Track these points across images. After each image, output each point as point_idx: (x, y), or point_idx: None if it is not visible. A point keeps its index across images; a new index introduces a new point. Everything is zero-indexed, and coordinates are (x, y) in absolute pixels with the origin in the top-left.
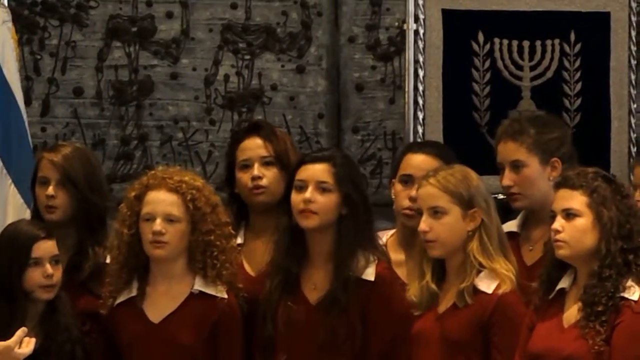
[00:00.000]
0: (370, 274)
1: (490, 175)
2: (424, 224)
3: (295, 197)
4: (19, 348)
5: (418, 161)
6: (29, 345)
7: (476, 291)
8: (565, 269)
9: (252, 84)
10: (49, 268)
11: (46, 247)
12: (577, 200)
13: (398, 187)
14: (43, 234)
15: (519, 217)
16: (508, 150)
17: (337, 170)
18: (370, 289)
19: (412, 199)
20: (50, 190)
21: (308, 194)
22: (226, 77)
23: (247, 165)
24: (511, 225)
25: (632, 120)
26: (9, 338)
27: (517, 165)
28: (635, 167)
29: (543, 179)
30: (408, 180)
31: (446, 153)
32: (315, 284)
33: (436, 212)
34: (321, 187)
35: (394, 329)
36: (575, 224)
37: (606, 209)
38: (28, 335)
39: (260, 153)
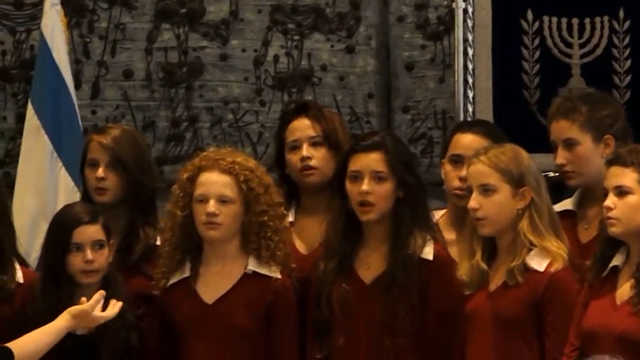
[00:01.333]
0: (428, 254)
1: (541, 153)
2: (474, 201)
3: (352, 189)
4: (101, 311)
5: (467, 141)
6: (114, 308)
7: (527, 269)
8: (618, 247)
9: (302, 64)
10: (89, 253)
11: (87, 232)
12: (628, 177)
13: (448, 167)
14: (86, 218)
15: (574, 195)
16: (561, 128)
17: (390, 157)
18: (429, 268)
19: (462, 179)
20: (100, 172)
21: (365, 185)
22: (276, 58)
23: (296, 146)
24: (567, 204)
25: None
26: None
27: (570, 144)
28: None
29: (597, 157)
30: (458, 160)
31: (495, 132)
32: (370, 264)
33: (486, 190)
34: (377, 177)
35: (453, 308)
36: (627, 201)
37: None
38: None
39: (309, 133)
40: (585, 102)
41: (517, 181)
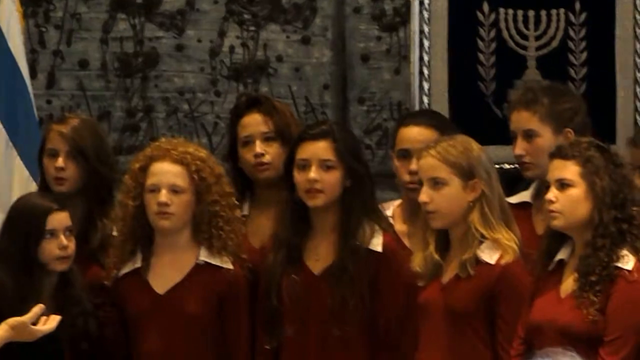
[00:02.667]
0: (377, 245)
1: (496, 145)
2: (424, 195)
3: (299, 177)
4: (41, 324)
5: (413, 134)
6: (52, 323)
7: (479, 262)
8: (564, 240)
9: (258, 55)
10: (63, 239)
11: (60, 219)
12: (570, 170)
13: (397, 162)
14: (56, 205)
15: (531, 187)
16: (521, 119)
17: (337, 145)
18: (378, 259)
19: (412, 172)
20: (60, 162)
21: (312, 173)
22: (231, 49)
23: (249, 142)
24: (524, 196)
25: (638, 89)
26: (25, 312)
27: (529, 135)
28: (630, 148)
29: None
30: (405, 155)
31: (440, 120)
32: (319, 255)
33: (436, 183)
34: (324, 165)
35: (403, 299)
36: (568, 194)
37: (599, 178)
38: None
39: (261, 129)
40: (547, 94)
41: (467, 174)
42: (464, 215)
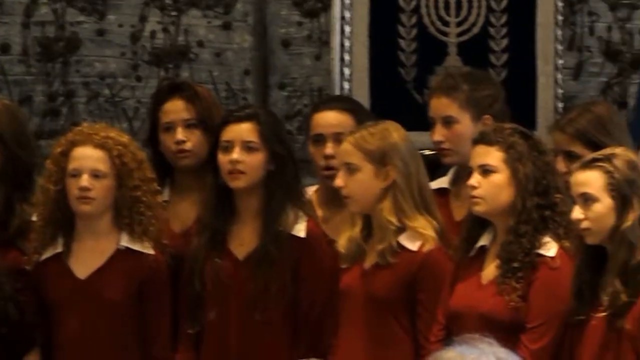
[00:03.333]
0: (301, 231)
1: (416, 131)
2: (339, 179)
3: (222, 158)
4: None
5: (326, 119)
6: None
7: (402, 248)
8: (486, 227)
9: (179, 40)
10: None
11: None
12: (493, 156)
13: (311, 147)
14: None
15: (450, 173)
16: (440, 105)
17: (261, 128)
18: (301, 245)
19: (327, 157)
20: None
21: (235, 154)
22: (152, 34)
23: (170, 128)
24: (442, 182)
25: (559, 76)
26: None
27: (448, 121)
28: (553, 133)
29: (474, 136)
30: (319, 140)
31: (353, 104)
32: (243, 240)
33: (350, 169)
34: (247, 147)
35: (325, 285)
36: (491, 180)
37: (522, 164)
38: None
39: (183, 116)
40: (466, 80)
41: (379, 160)
42: (378, 202)
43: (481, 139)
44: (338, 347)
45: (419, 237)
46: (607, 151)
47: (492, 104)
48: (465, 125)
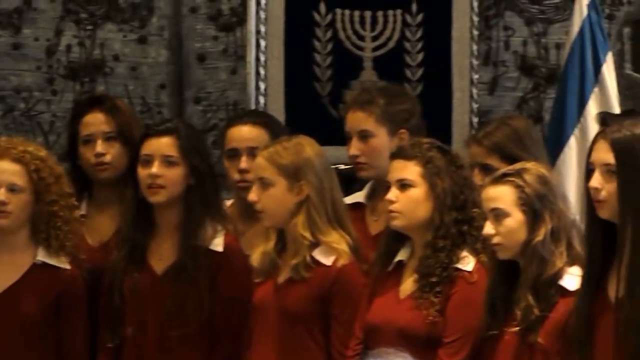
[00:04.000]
0: (218, 245)
1: (332, 145)
2: (252, 193)
3: (142, 172)
4: None
5: (240, 133)
6: None
7: (316, 263)
8: (403, 241)
9: (94, 54)
10: None
11: None
12: (411, 170)
13: (226, 162)
14: None
15: (365, 188)
16: (356, 119)
17: (181, 143)
18: (219, 259)
19: (242, 171)
20: None
21: (154, 168)
22: (68, 47)
23: (89, 141)
24: (358, 196)
25: (474, 91)
26: None
27: (365, 135)
28: (470, 145)
29: (390, 150)
30: (234, 154)
31: (267, 118)
32: (162, 255)
33: (264, 183)
34: (167, 161)
35: (242, 299)
36: (409, 195)
37: (440, 179)
38: None
39: (103, 129)
40: (382, 95)
41: (293, 175)
42: (292, 217)
43: (399, 154)
44: None
45: (332, 252)
46: (517, 166)
47: (409, 118)
48: (381, 139)
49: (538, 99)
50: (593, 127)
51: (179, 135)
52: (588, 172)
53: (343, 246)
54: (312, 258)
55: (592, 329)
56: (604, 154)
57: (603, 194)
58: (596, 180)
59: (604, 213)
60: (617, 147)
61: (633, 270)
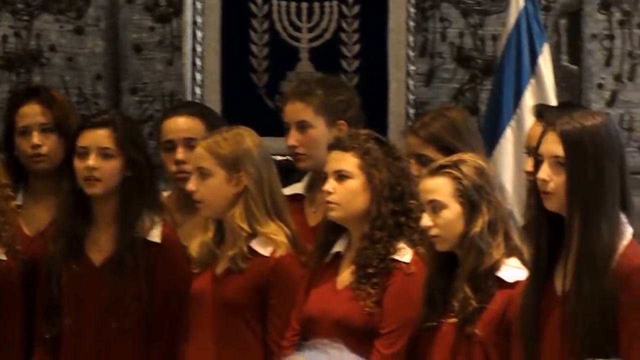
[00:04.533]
0: (156, 236)
1: (268, 136)
2: (191, 183)
3: (78, 164)
4: None
5: (175, 125)
6: None
7: (254, 254)
8: (341, 233)
9: (31, 44)
10: None
11: None
12: (348, 161)
13: (163, 154)
14: None
15: (304, 179)
16: (295, 110)
17: (118, 134)
18: (157, 250)
19: (179, 162)
20: None
21: (91, 161)
22: (4, 38)
23: (26, 132)
24: (297, 188)
25: (410, 82)
26: None
27: (303, 126)
28: (406, 136)
29: (328, 141)
30: (170, 146)
31: (201, 108)
32: (100, 247)
33: (202, 174)
34: (103, 153)
35: (180, 290)
36: (346, 186)
37: (377, 170)
38: None
39: (39, 120)
40: (321, 86)
41: (232, 166)
42: (230, 208)
43: (337, 145)
44: (188, 352)
45: (270, 243)
46: (454, 157)
47: (347, 109)
48: (320, 130)
49: (474, 91)
50: (529, 119)
51: (115, 127)
52: (536, 164)
53: (281, 237)
54: (250, 249)
55: (540, 323)
56: (553, 146)
57: (551, 185)
58: (544, 172)
59: (551, 205)
60: (567, 139)
61: (580, 264)
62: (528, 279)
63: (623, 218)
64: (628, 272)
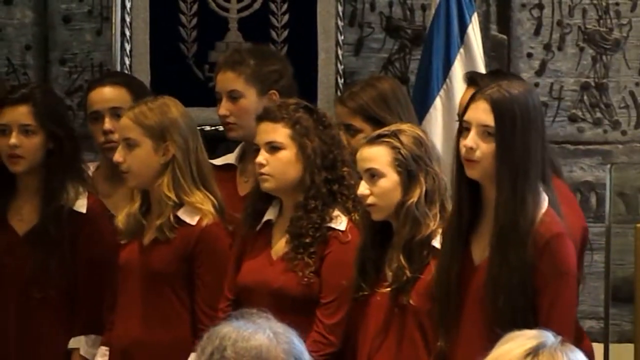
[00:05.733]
0: (81, 206)
1: (197, 107)
2: (118, 154)
3: (1, 142)
4: None
5: (100, 95)
6: None
7: (181, 223)
8: (270, 201)
9: None
10: None
11: None
12: (279, 132)
13: (90, 125)
14: None
15: (236, 150)
16: (226, 80)
17: (37, 110)
18: (82, 221)
19: (106, 132)
20: None
21: (13, 139)
22: None
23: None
24: (229, 158)
25: (339, 52)
26: None
27: (234, 96)
28: (335, 106)
29: (259, 111)
30: (97, 117)
31: (126, 78)
32: (23, 217)
33: (129, 145)
34: (24, 130)
35: (105, 260)
36: (278, 157)
37: (309, 140)
38: None
39: None
40: (253, 55)
41: (159, 136)
42: (157, 178)
43: (266, 116)
44: (117, 322)
45: (197, 212)
46: (393, 127)
47: (279, 79)
48: (251, 100)
49: (404, 60)
50: (458, 88)
51: (34, 102)
52: (461, 131)
53: (207, 206)
54: (177, 218)
55: (458, 290)
56: (483, 114)
57: (477, 154)
58: (471, 140)
59: (474, 173)
60: (498, 109)
61: (500, 235)
62: (445, 244)
63: (540, 187)
64: (547, 239)
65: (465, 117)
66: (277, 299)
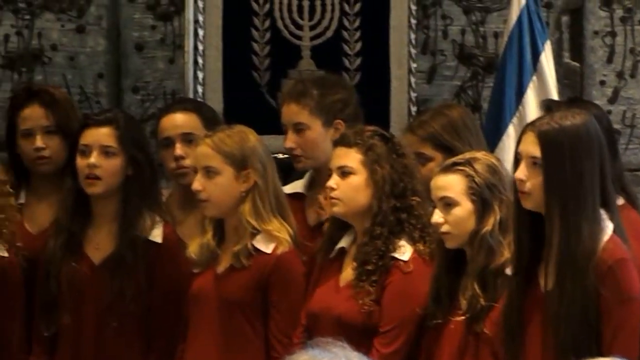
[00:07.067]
0: (157, 236)
1: (271, 135)
2: (197, 182)
3: (80, 162)
4: None
5: (172, 122)
6: None
7: (257, 251)
8: (347, 229)
9: (32, 43)
10: None
11: None
12: (352, 157)
13: (162, 152)
14: None
15: (305, 178)
16: (291, 112)
17: (120, 133)
18: (157, 250)
19: (177, 158)
20: None
21: (92, 159)
22: (6, 37)
23: (29, 134)
24: (298, 186)
25: (412, 80)
26: None
27: (300, 128)
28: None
29: (326, 141)
30: (168, 143)
31: (195, 104)
32: (99, 245)
33: (209, 172)
34: (105, 151)
35: (180, 291)
36: (349, 182)
37: (380, 167)
38: None
39: (42, 123)
40: (316, 86)
41: (240, 164)
42: (237, 206)
43: (341, 141)
44: (189, 352)
45: (272, 239)
46: (467, 155)
47: (344, 108)
48: (316, 131)
49: (476, 88)
50: (531, 116)
51: (117, 126)
52: (516, 163)
53: (284, 234)
54: (253, 246)
55: (523, 321)
56: (531, 146)
57: (528, 185)
58: (521, 172)
59: (528, 204)
60: (544, 140)
61: (562, 265)
62: (511, 277)
63: (603, 214)
64: (610, 264)
65: (518, 149)
66: (340, 326)
